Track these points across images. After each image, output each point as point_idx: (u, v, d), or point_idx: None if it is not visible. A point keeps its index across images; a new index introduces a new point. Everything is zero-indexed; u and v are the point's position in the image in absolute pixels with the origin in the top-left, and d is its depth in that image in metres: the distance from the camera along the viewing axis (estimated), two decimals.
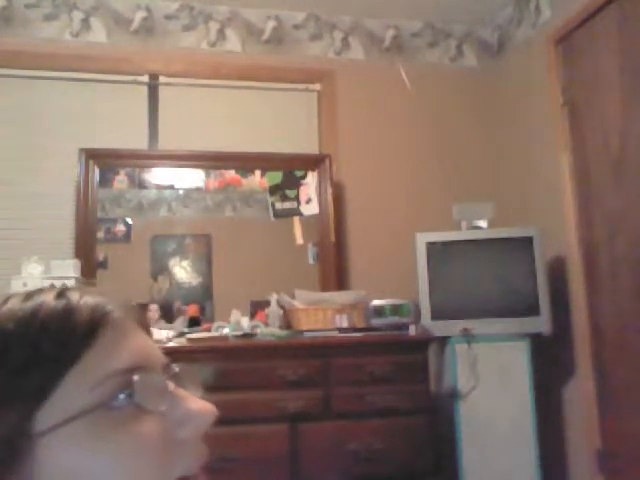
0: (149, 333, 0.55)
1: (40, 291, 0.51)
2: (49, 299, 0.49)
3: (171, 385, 0.51)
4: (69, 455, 0.44)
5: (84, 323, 0.48)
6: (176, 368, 0.53)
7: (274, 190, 3.16)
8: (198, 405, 0.51)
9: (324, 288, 3.02)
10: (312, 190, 3.18)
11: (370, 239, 3.21)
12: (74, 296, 0.50)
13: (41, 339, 0.46)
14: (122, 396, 0.46)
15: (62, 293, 0.50)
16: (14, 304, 0.49)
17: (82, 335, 0.47)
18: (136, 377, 0.47)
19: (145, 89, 3.16)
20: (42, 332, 0.47)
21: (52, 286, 0.53)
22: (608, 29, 2.60)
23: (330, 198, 3.14)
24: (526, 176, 3.23)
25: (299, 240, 3.15)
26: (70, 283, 2.56)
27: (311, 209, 3.16)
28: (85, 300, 0.50)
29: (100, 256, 2.93)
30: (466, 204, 2.99)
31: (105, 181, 3.00)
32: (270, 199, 3.15)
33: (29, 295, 0.50)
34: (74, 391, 0.46)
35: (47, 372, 0.46)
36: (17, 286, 2.54)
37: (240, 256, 3.05)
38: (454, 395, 2.65)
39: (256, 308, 2.90)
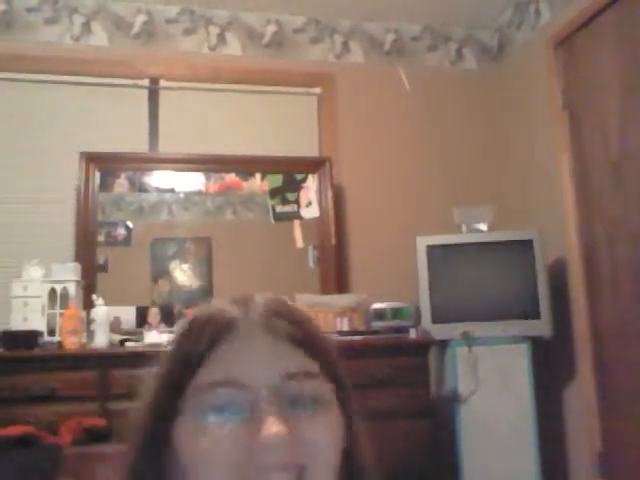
0: (299, 344, 0.56)
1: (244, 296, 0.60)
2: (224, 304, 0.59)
3: (267, 406, 0.51)
4: (181, 441, 0.53)
5: (214, 330, 0.55)
6: (294, 384, 0.53)
7: (274, 193, 3.16)
8: (263, 435, 0.49)
9: (324, 291, 3.02)
10: (312, 193, 3.18)
11: (370, 242, 3.21)
12: (244, 301, 0.59)
13: (200, 330, 0.56)
14: (206, 407, 0.52)
15: (244, 299, 0.59)
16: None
17: (208, 340, 0.54)
18: (221, 391, 0.52)
19: (146, 93, 3.16)
20: (202, 325, 0.57)
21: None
22: (607, 32, 2.61)
23: (330, 201, 3.14)
24: (526, 179, 3.23)
25: (299, 243, 3.15)
26: (70, 286, 2.57)
27: (311, 212, 3.17)
28: (223, 307, 0.58)
29: (100, 259, 2.93)
30: (466, 207, 2.99)
31: (105, 184, 3.00)
32: (270, 202, 3.15)
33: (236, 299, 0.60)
34: (191, 389, 0.53)
35: (196, 360, 0.54)
36: (17, 289, 2.54)
37: (240, 259, 3.05)
38: (455, 398, 2.65)
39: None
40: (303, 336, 0.57)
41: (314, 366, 0.56)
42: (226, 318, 0.56)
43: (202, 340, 0.55)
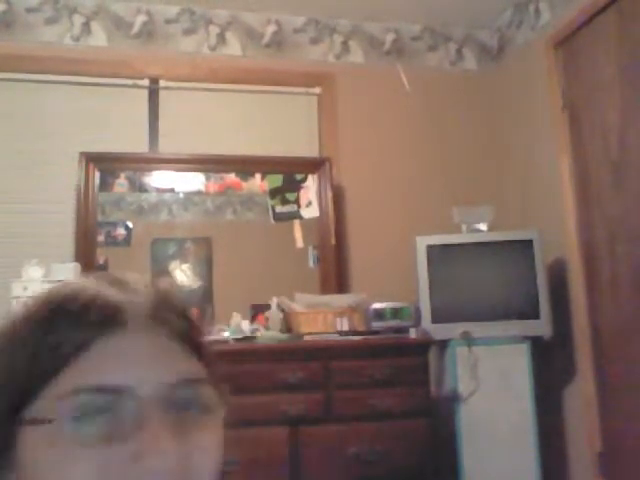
0: (186, 341, 0.49)
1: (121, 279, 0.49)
2: (81, 282, 0.49)
3: (152, 413, 0.44)
4: (27, 451, 0.44)
5: (94, 317, 0.45)
6: (186, 390, 0.47)
7: (274, 193, 3.16)
8: (145, 456, 0.42)
9: (324, 291, 3.02)
10: (312, 193, 3.18)
11: (370, 242, 3.21)
12: (125, 283, 0.49)
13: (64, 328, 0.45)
14: (67, 417, 0.42)
15: (117, 280, 0.49)
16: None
17: (74, 341, 0.44)
18: (102, 398, 0.43)
19: (145, 93, 3.16)
20: (49, 319, 0.46)
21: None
22: (607, 32, 2.61)
23: (330, 201, 3.14)
24: (526, 179, 3.23)
25: (299, 243, 3.15)
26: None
27: (311, 212, 3.17)
28: (105, 293, 0.47)
29: (100, 259, 2.93)
30: (466, 207, 2.99)
31: (105, 185, 3.00)
32: (270, 202, 3.15)
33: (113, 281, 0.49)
34: (50, 395, 0.44)
35: (44, 362, 0.44)
36: (17, 289, 2.54)
37: (240, 259, 3.05)
38: (454, 398, 2.65)
39: (256, 311, 2.90)
40: (194, 335, 0.51)
41: (203, 370, 0.50)
42: (107, 304, 0.46)
43: (72, 331, 0.45)
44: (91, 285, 0.48)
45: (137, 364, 0.45)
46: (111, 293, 0.47)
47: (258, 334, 2.59)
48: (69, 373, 0.44)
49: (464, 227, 2.92)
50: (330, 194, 3.15)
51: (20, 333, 0.47)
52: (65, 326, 0.45)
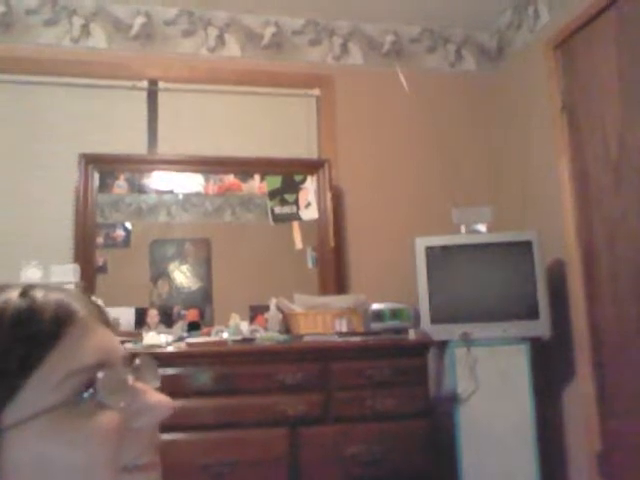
0: (110, 327, 0.56)
1: (4, 288, 0.52)
2: (14, 298, 0.50)
3: (131, 378, 0.53)
4: (31, 447, 0.47)
5: (48, 323, 0.49)
6: (137, 361, 0.56)
7: (273, 195, 3.17)
8: (155, 398, 0.53)
9: (323, 292, 3.02)
10: (311, 195, 3.18)
11: (369, 243, 3.21)
12: (38, 294, 0.51)
13: (6, 340, 0.48)
14: (85, 394, 0.49)
15: (25, 292, 0.51)
16: None
17: (46, 336, 0.48)
18: (99, 374, 0.49)
19: (144, 94, 3.16)
20: (6, 333, 0.48)
21: (16, 284, 0.54)
22: (607, 33, 2.61)
23: (329, 203, 3.14)
24: (525, 180, 3.23)
25: (298, 244, 3.15)
26: (70, 288, 2.56)
27: (310, 214, 3.17)
28: (48, 299, 0.51)
29: (99, 261, 2.93)
30: (465, 208, 2.99)
31: (104, 186, 3.00)
32: (269, 204, 3.15)
33: None
34: (38, 390, 0.47)
35: (10, 374, 0.47)
36: None
37: (239, 261, 3.05)
38: (454, 399, 2.64)
39: (255, 312, 2.90)
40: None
41: None
42: (66, 307, 0.52)
43: (37, 335, 0.49)
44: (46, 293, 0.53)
45: (108, 345, 0.54)
46: (62, 298, 0.53)
47: (257, 335, 2.59)
48: (47, 367, 0.48)
49: (463, 228, 2.92)
50: (329, 195, 3.15)
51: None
52: (27, 334, 0.49)
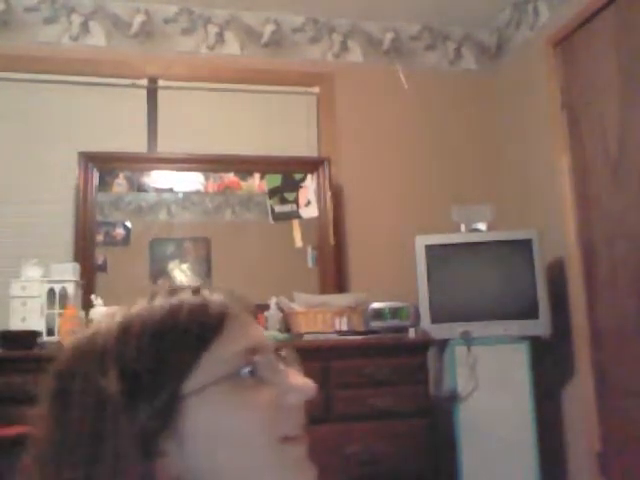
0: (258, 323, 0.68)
1: (178, 289, 0.64)
2: (188, 295, 0.62)
3: (281, 365, 0.63)
4: (205, 414, 0.57)
5: (216, 315, 0.61)
6: (283, 352, 0.66)
7: (273, 193, 3.16)
8: (302, 380, 0.63)
9: (323, 291, 3.02)
10: (311, 193, 3.18)
11: (369, 242, 3.21)
12: (206, 294, 0.63)
13: (185, 326, 0.59)
14: (246, 370, 0.59)
15: (197, 291, 0.63)
16: (161, 300, 0.61)
17: (215, 323, 0.60)
18: (257, 357, 0.60)
19: (144, 92, 3.16)
20: (187, 321, 0.59)
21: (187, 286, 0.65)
22: (606, 31, 2.61)
23: (329, 201, 3.14)
24: (525, 178, 3.23)
25: (298, 243, 3.15)
26: (69, 286, 2.56)
27: (310, 212, 3.16)
28: (214, 296, 0.63)
29: (99, 259, 2.92)
30: (465, 206, 2.99)
31: (104, 184, 3.00)
32: (269, 202, 3.15)
33: (172, 292, 0.63)
34: (210, 366, 0.58)
35: (191, 351, 0.58)
36: (16, 289, 2.54)
37: (239, 259, 3.05)
38: (454, 398, 2.65)
39: (255, 311, 2.89)
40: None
41: None
42: (216, 305, 0.63)
43: (209, 320, 0.60)
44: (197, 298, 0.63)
45: (259, 331, 0.65)
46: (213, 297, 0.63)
47: None
48: (216, 348, 0.59)
49: (463, 227, 2.92)
50: (329, 194, 3.14)
51: (174, 332, 0.59)
52: (201, 322, 0.60)
